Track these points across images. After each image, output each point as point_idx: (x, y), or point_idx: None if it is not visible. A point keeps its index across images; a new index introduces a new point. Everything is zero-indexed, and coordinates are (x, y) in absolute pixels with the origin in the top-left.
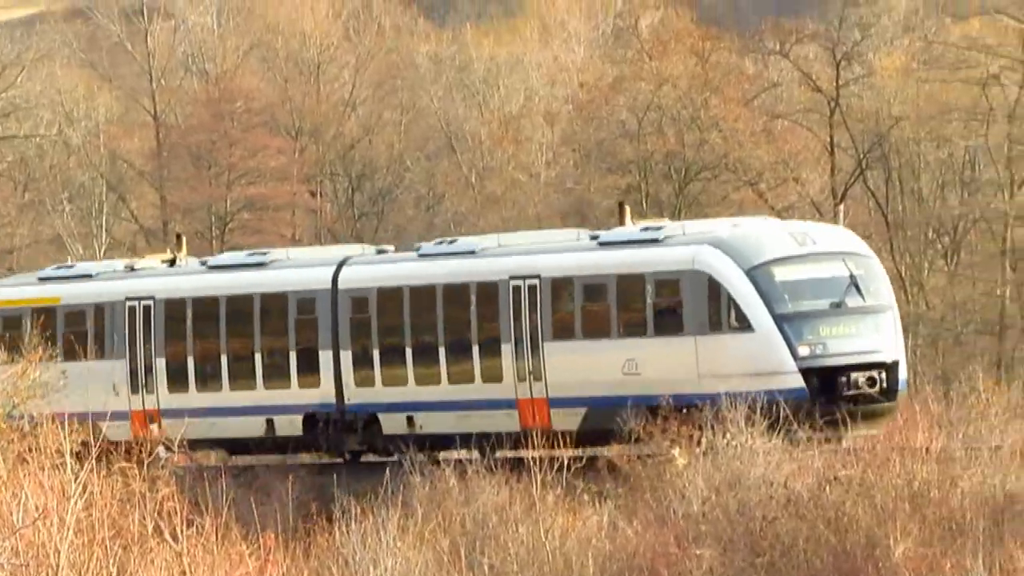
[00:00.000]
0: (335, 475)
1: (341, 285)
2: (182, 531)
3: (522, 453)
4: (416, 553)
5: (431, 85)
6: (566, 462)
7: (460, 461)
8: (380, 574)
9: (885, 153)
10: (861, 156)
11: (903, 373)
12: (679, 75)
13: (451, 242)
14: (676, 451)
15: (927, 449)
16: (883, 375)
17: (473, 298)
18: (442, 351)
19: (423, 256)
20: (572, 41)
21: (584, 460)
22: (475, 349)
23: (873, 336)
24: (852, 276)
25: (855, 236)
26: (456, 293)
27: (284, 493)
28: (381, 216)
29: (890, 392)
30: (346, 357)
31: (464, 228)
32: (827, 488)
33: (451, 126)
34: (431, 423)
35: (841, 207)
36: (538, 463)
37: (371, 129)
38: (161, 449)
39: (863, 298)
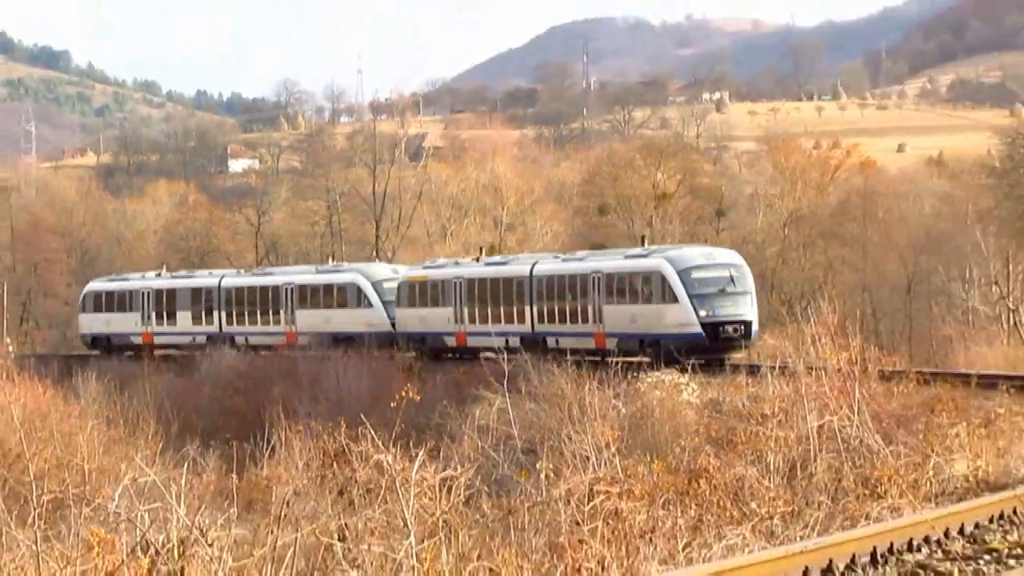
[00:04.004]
0: None
1: (534, 274)
2: None
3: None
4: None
5: None
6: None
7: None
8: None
9: None
10: None
11: (755, 327)
12: None
13: (569, 255)
14: None
15: None
16: (743, 328)
17: (566, 282)
18: (567, 309)
19: (563, 260)
20: None
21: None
22: (577, 307)
23: (740, 307)
24: (731, 275)
25: (736, 254)
26: (565, 280)
27: None
28: None
29: (747, 337)
30: (535, 309)
31: None
32: (253, 364)
33: None
34: (562, 343)
35: None
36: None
37: None
38: None
39: (736, 287)
